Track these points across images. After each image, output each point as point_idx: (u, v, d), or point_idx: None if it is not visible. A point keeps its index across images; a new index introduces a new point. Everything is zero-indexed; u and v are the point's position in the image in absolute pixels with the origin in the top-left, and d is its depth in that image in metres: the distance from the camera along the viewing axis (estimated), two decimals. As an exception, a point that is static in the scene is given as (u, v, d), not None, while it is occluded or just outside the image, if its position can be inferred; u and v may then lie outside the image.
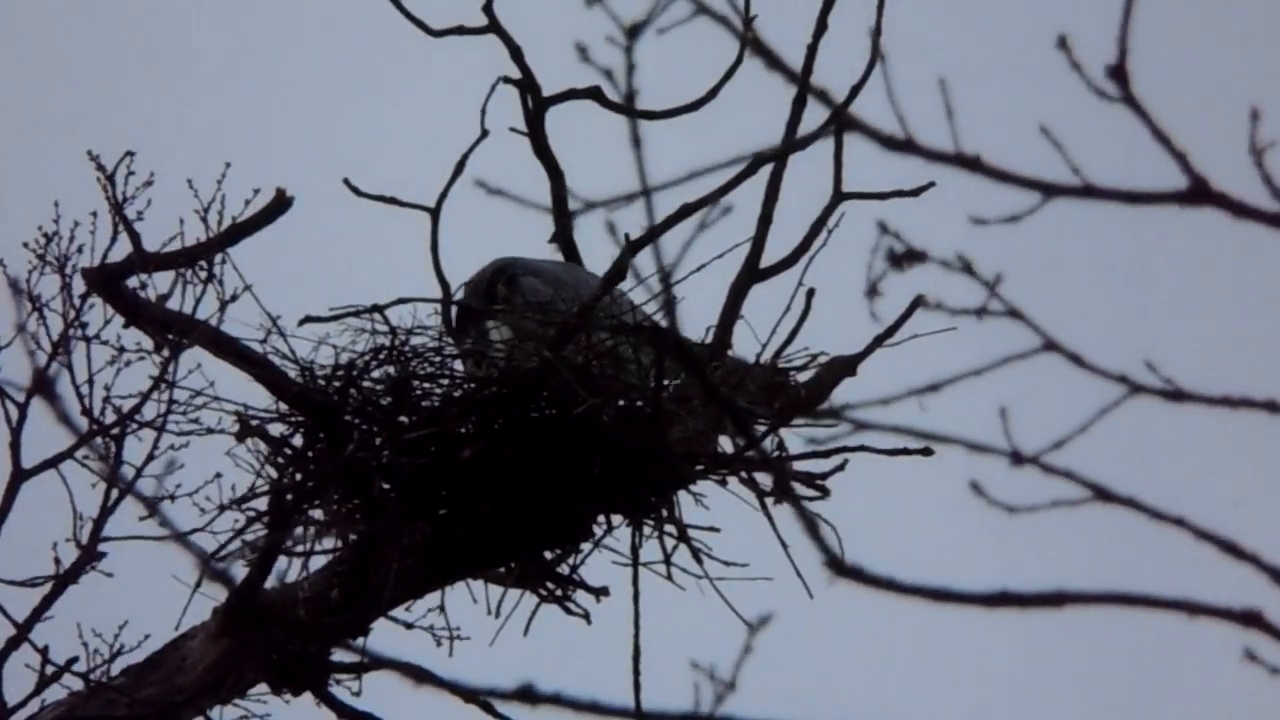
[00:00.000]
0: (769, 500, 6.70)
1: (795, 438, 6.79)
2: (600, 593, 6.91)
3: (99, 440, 6.61)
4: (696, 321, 7.05)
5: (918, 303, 6.40)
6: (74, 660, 6.47)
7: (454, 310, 7.11)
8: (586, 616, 6.91)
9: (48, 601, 6.49)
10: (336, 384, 6.74)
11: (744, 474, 6.75)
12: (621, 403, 6.77)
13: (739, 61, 7.03)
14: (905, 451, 6.63)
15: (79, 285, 6.67)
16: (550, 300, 7.02)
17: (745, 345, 6.93)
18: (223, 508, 6.68)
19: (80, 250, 6.69)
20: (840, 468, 6.75)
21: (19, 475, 6.56)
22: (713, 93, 7.09)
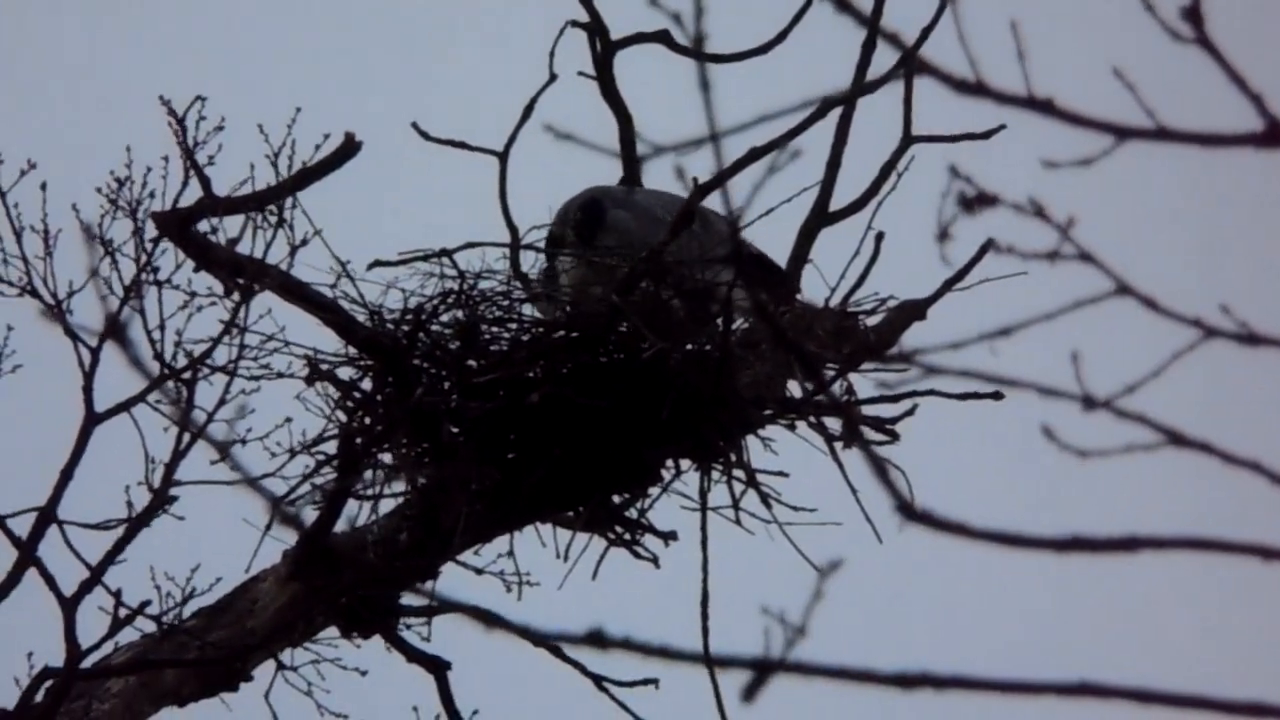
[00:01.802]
0: (838, 445, 6.69)
1: (864, 382, 6.78)
2: (668, 537, 6.91)
3: (171, 384, 6.63)
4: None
5: (988, 246, 6.36)
6: (146, 603, 6.51)
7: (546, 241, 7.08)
8: (655, 561, 6.92)
9: (120, 545, 6.52)
10: (405, 328, 6.74)
11: (813, 418, 6.73)
12: (690, 347, 6.76)
13: (808, 3, 6.99)
14: (975, 395, 6.61)
15: (150, 230, 6.69)
16: (636, 237, 6.98)
17: (814, 289, 6.91)
18: (293, 452, 6.71)
19: (152, 195, 6.70)
20: (910, 412, 6.72)
21: (92, 419, 6.59)
22: (782, 35, 7.05)
